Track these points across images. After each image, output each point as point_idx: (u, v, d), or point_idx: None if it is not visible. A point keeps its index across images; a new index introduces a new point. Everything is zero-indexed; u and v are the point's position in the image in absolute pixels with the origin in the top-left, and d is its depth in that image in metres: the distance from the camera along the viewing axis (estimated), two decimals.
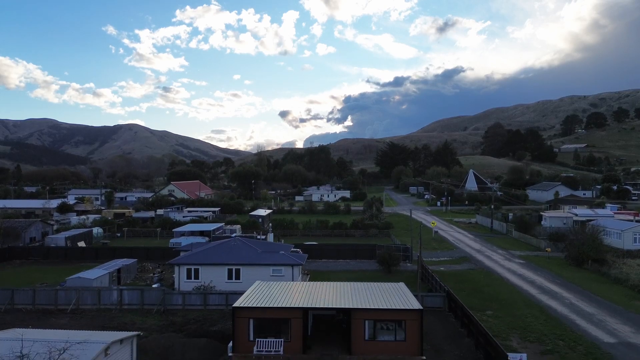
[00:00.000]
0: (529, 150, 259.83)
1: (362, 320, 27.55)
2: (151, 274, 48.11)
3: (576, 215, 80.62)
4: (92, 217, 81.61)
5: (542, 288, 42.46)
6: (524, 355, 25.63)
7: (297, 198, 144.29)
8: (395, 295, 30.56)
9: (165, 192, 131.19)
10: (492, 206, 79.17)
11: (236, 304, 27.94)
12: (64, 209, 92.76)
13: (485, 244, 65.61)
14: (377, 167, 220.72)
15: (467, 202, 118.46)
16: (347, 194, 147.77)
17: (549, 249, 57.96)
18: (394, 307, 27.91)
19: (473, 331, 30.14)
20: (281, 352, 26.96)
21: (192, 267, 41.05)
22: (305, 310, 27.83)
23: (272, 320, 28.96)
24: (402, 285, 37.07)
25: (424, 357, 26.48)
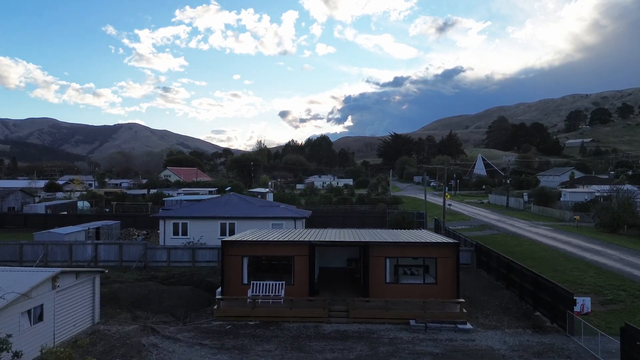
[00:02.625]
0: (534, 144, 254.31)
1: (382, 258, 22.16)
2: (135, 237, 42.76)
3: (597, 191, 75.13)
4: (79, 193, 76.19)
5: (581, 247, 37.07)
6: (587, 300, 20.30)
7: (298, 186, 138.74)
8: (420, 236, 25.23)
9: (161, 177, 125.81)
10: (508, 180, 73.54)
11: (227, 239, 22.61)
12: (51, 188, 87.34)
13: (503, 217, 60.23)
14: (380, 158, 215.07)
15: (474, 189, 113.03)
16: (349, 181, 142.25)
17: (577, 217, 52.56)
18: (422, 241, 22.53)
19: (516, 280, 24.78)
20: (282, 297, 21.57)
21: (180, 222, 35.73)
22: (312, 246, 22.44)
23: (271, 259, 23.63)
24: (425, 231, 31.73)
25: (462, 300, 21.08)
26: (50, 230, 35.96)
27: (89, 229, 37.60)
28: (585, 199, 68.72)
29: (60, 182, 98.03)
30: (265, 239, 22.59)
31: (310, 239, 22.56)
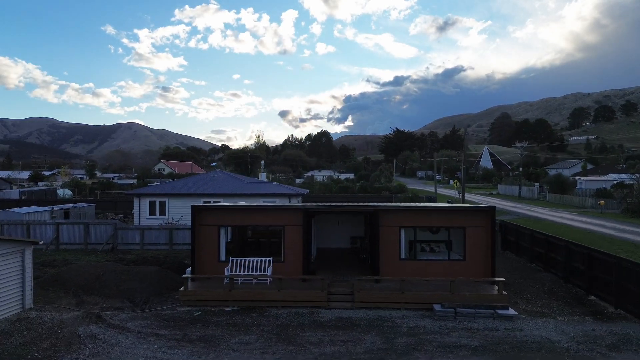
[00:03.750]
0: (538, 140, 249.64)
1: (395, 228, 17.49)
2: (111, 219, 38.09)
3: (615, 180, 70.47)
4: (63, 182, 71.53)
5: (618, 229, 32.46)
6: None
7: (297, 181, 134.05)
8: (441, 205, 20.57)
9: (155, 170, 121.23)
10: (521, 168, 68.83)
11: (200, 204, 17.94)
12: (36, 178, 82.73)
13: (518, 204, 55.54)
14: (382, 155, 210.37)
15: (480, 181, 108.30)
16: (350, 176, 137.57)
17: (602, 202, 47.90)
18: (447, 206, 17.83)
19: (558, 260, 20.10)
20: (269, 276, 16.91)
21: (157, 200, 31.09)
22: (307, 214, 17.78)
23: (255, 230, 18.98)
24: (445, 204, 27.04)
25: (502, 279, 16.39)
26: (9, 209, 31.31)
27: (53, 208, 32.91)
28: (603, 187, 64.13)
29: (47, 174, 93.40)
30: (247, 205, 17.92)
31: (305, 205, 17.84)
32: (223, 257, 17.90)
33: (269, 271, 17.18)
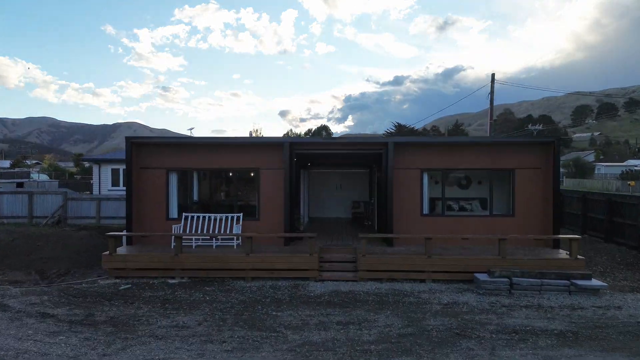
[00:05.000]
0: (542, 136, 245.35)
1: (416, 171, 12.44)
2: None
3: (635, 166, 65.70)
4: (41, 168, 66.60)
5: None
6: None
7: None
8: None
9: None
10: None
11: (142, 138, 12.83)
12: (16, 166, 77.73)
13: None
14: None
15: None
16: None
17: (632, 183, 42.95)
18: (487, 141, 12.79)
19: (629, 226, 15.07)
20: (235, 235, 11.89)
21: (121, 168, 25.96)
22: (292, 149, 12.72)
23: (220, 177, 13.99)
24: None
25: (577, 236, 11.33)
26: None
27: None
28: (624, 171, 59.35)
29: (30, 162, 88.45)
30: (211, 139, 12.80)
31: (292, 140, 12.69)
32: (174, 214, 12.86)
33: (239, 231, 12.14)
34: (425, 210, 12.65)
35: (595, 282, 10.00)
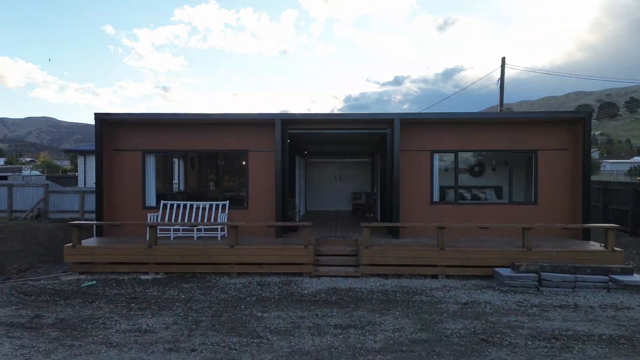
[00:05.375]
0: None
1: (426, 154, 10.97)
2: None
3: None
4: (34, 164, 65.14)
5: None
6: None
7: None
8: None
9: None
10: None
11: (112, 112, 11.32)
12: (10, 163, 76.28)
13: None
14: None
15: None
16: None
17: None
18: (507, 117, 11.29)
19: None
20: (220, 224, 10.43)
21: None
22: (285, 127, 11.26)
23: (199, 157, 12.52)
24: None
25: (614, 225, 9.86)
26: None
27: None
28: (633, 167, 57.98)
29: (25, 160, 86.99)
30: (192, 115, 11.29)
31: (285, 117, 11.21)
32: (152, 202, 11.39)
33: (224, 219, 10.69)
34: (436, 198, 11.18)
35: (636, 277, 8.53)
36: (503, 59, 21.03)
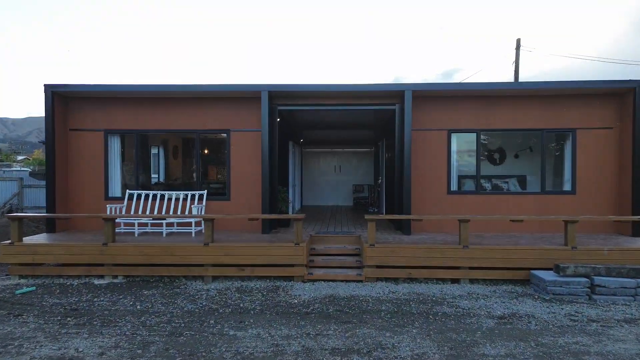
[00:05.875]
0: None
1: (442, 133, 9.16)
2: None
3: None
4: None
5: None
6: None
7: None
8: None
9: None
10: None
11: (66, 84, 9.52)
12: (5, 160, 74.44)
13: None
14: None
15: None
16: None
17: None
18: (538, 88, 9.44)
19: None
20: (194, 216, 8.59)
21: None
22: (273, 101, 9.46)
23: (173, 138, 10.78)
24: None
25: None
26: None
27: None
28: None
29: (20, 157, 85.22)
30: (164, 87, 9.51)
31: (273, 88, 9.41)
32: (116, 191, 9.63)
33: (201, 211, 8.93)
34: (454, 187, 9.41)
35: None
36: (518, 41, 19.28)
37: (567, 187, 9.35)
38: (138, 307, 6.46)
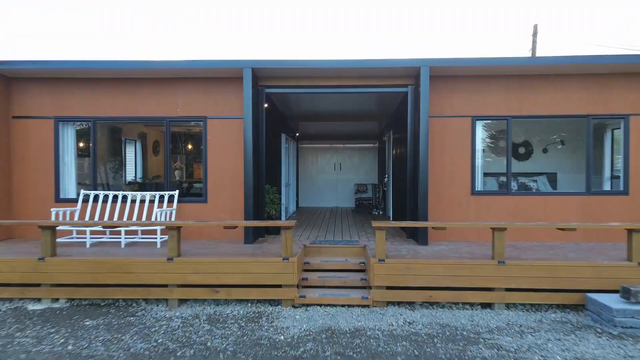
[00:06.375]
0: None
1: (466, 120, 7.47)
2: None
3: None
4: None
5: None
6: None
7: None
8: None
9: None
10: None
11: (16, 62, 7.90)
12: None
13: None
14: None
15: None
16: None
17: None
18: (581, 59, 7.76)
19: None
20: (160, 224, 6.92)
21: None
22: (255, 81, 7.80)
23: (138, 128, 9.11)
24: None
25: None
26: None
27: None
28: None
29: None
30: (128, 63, 7.88)
31: (258, 65, 7.80)
32: (70, 192, 8.00)
33: (170, 218, 7.29)
34: (479, 186, 7.77)
35: None
36: (535, 27, 17.65)
37: (616, 186, 7.72)
38: (69, 347, 4.81)
